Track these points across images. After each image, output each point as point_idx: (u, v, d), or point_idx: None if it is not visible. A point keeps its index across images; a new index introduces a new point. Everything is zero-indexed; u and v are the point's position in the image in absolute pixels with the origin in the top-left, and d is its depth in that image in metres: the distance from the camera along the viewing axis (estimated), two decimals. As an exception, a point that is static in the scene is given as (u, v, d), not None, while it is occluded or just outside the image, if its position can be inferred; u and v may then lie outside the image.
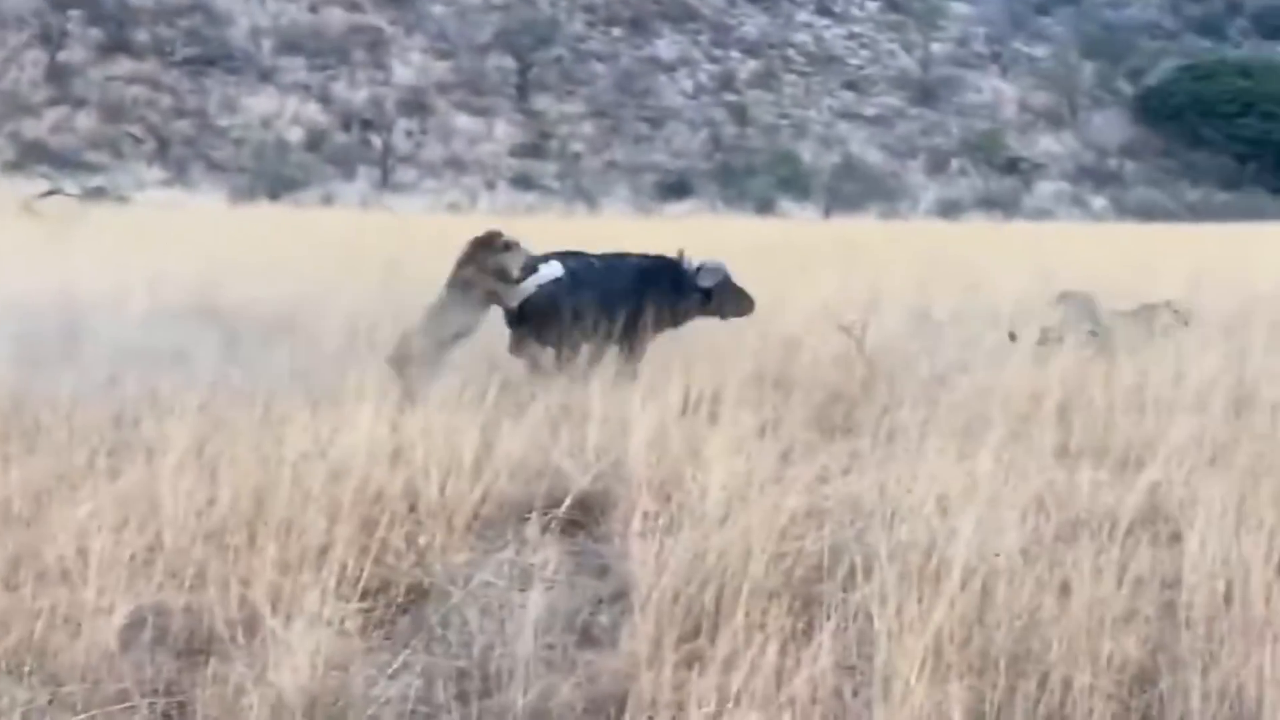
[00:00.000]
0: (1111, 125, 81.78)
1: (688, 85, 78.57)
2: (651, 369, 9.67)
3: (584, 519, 7.22)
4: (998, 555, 5.73)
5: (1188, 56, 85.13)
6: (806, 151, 72.82)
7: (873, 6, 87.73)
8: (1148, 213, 65.39)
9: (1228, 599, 5.65)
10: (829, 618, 5.43)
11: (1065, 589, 5.57)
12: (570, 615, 5.92)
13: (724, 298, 11.56)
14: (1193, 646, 5.34)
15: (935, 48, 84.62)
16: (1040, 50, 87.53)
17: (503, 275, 10.71)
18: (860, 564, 5.84)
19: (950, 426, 8.03)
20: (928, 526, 6.10)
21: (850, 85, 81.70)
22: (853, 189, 66.85)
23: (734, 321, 11.50)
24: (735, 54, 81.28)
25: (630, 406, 8.17)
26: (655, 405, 8.19)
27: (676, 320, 11.48)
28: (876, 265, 18.83)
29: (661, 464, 7.47)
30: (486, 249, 10.76)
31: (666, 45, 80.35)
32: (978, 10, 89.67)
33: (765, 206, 62.50)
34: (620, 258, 11.77)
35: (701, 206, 62.85)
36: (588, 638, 5.80)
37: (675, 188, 66.94)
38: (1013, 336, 11.70)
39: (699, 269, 11.51)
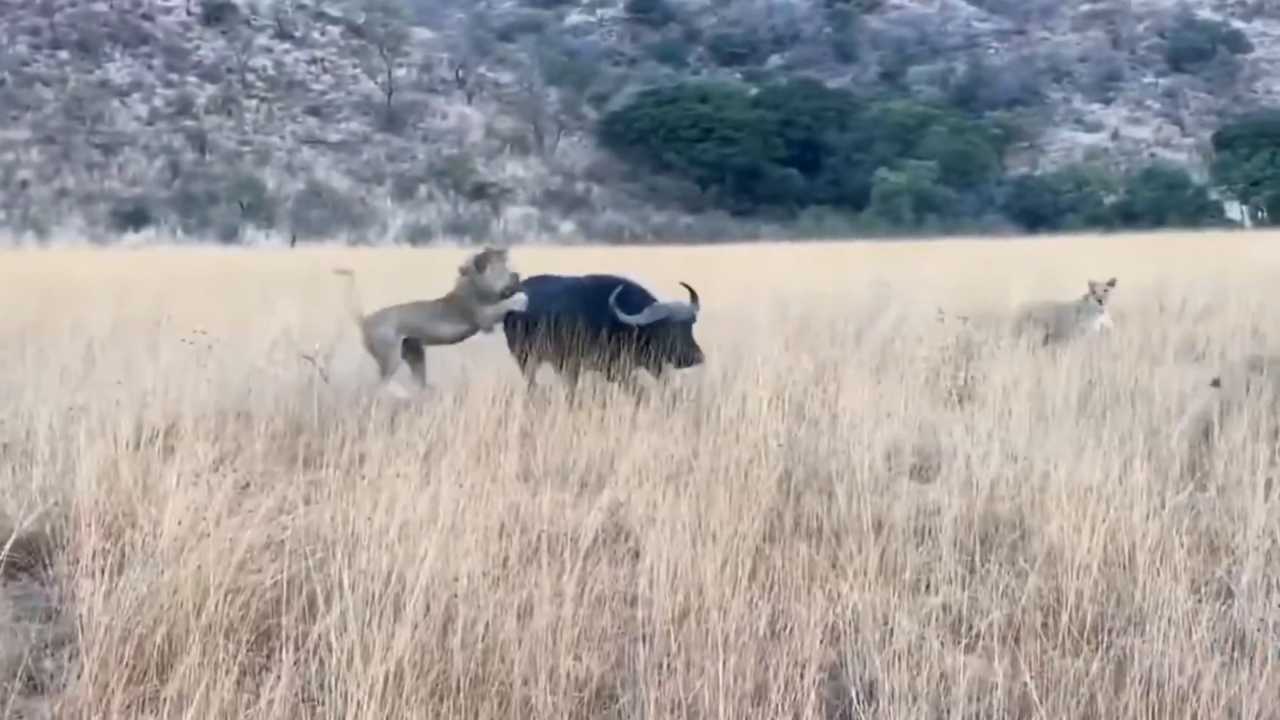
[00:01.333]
0: (577, 150, 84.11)
1: (142, 111, 76.40)
2: (101, 404, 9.20)
3: (28, 561, 6.82)
4: (458, 580, 5.70)
5: (649, 83, 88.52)
6: (270, 178, 71.89)
7: (334, 31, 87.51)
8: (615, 236, 67.51)
9: (685, 612, 5.79)
10: (288, 650, 5.28)
11: (527, 610, 5.58)
12: (13, 661, 5.56)
13: (659, 340, 10.79)
14: (650, 661, 5.44)
15: (400, 73, 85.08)
16: (505, 76, 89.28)
17: (484, 296, 11.27)
18: (321, 594, 5.71)
19: (413, 453, 7.95)
20: (390, 554, 6.00)
21: (313, 111, 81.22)
22: (320, 216, 66.46)
23: (197, 351, 10.79)
24: (192, 78, 79.64)
25: (76, 442, 7.78)
26: (104, 440, 7.81)
27: (612, 350, 10.82)
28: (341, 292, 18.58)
29: (112, 500, 7.14)
30: (474, 267, 11.31)
31: (118, 69, 77.95)
32: (441, 36, 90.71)
33: (229, 235, 61.38)
34: (574, 278, 11.71)
35: (161, 236, 61.05)
36: (32, 684, 5.47)
37: (132, 216, 64.87)
38: None
39: (647, 305, 10.91)
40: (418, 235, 66.07)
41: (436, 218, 71.78)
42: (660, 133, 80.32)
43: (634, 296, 11.09)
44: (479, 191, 77.24)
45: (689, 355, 10.82)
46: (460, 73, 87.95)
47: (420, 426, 8.94)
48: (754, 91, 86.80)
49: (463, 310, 11.28)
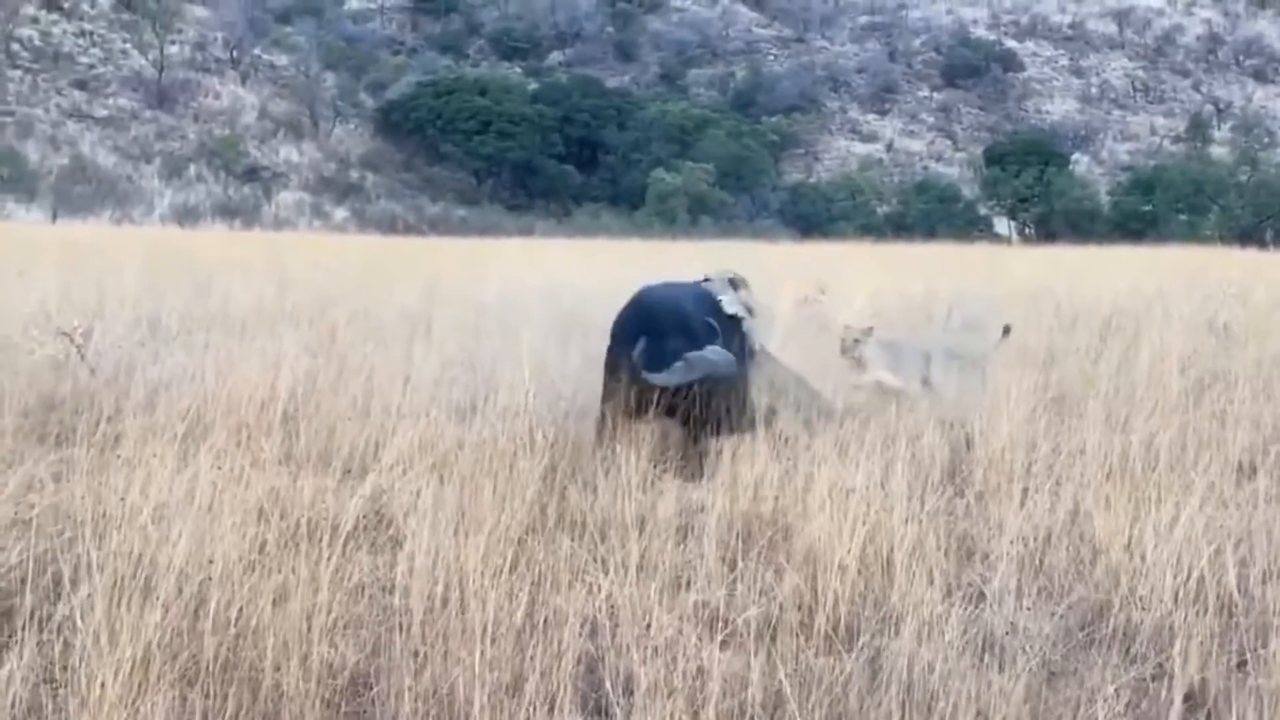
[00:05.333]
0: (353, 137, 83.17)
1: (-99, 80, 73.66)
2: None
3: None
4: (212, 563, 5.58)
5: (429, 73, 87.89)
6: (33, 151, 69.73)
7: (104, 4, 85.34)
8: (389, 225, 66.86)
9: (445, 602, 5.74)
10: (30, 631, 5.12)
11: (283, 596, 5.48)
12: None
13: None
14: (407, 649, 5.39)
15: (172, 50, 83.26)
16: (282, 59, 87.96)
17: None
18: (68, 574, 5.56)
19: (171, 434, 7.77)
20: (142, 536, 5.85)
21: (80, 84, 79.07)
22: (83, 192, 64.69)
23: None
24: (-47, 47, 77.00)
25: None
26: None
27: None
28: (105, 270, 18.17)
29: None
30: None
31: (-126, 36, 75.14)
32: (216, 14, 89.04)
33: (-13, 207, 59.40)
34: None
35: (-84, 205, 58.98)
36: None
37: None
38: None
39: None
40: (185, 215, 64.69)
41: (205, 199, 70.33)
42: (438, 123, 79.82)
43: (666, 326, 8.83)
44: (250, 174, 75.90)
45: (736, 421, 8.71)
46: (235, 53, 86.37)
47: (180, 408, 8.74)
48: (534, 86, 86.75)
49: None
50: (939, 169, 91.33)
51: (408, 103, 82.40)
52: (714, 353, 8.61)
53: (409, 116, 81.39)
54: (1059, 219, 73.19)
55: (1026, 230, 76.33)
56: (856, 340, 10.76)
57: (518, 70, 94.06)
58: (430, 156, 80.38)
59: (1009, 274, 27.73)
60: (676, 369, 8.55)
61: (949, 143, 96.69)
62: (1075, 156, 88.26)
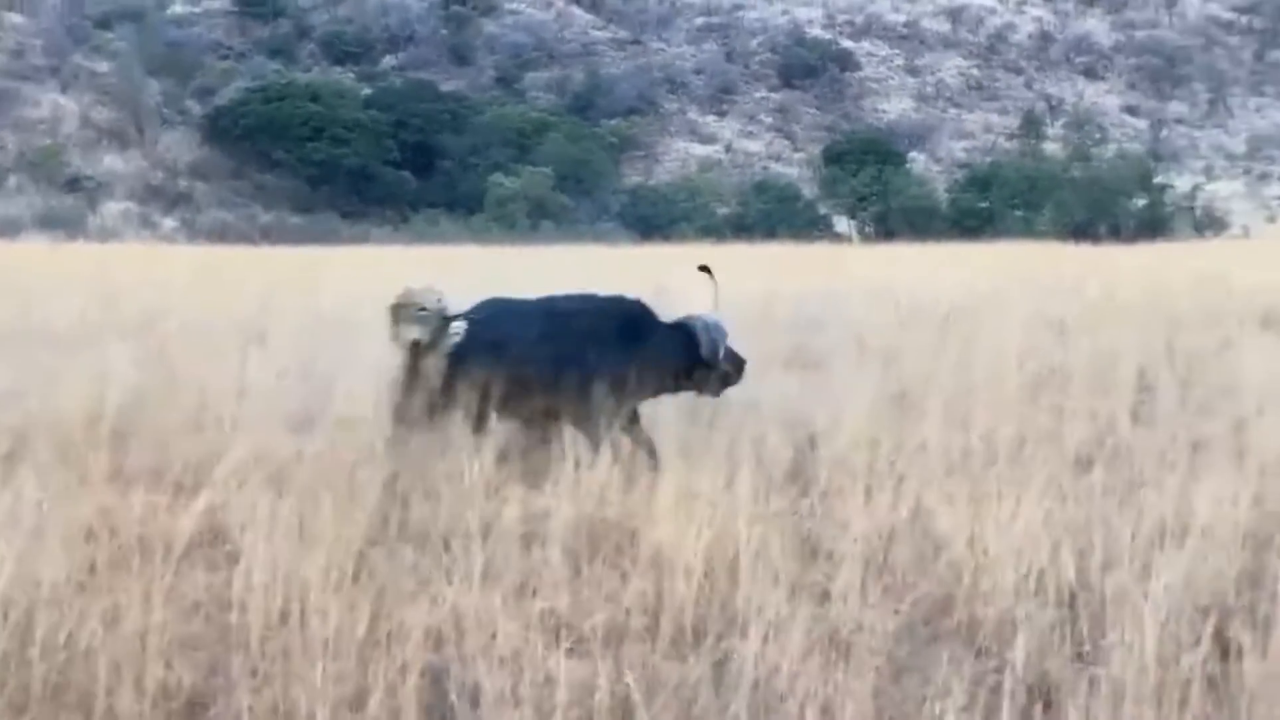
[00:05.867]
0: (181, 145, 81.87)
1: None
2: None
3: None
4: (39, 585, 5.41)
5: (257, 78, 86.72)
6: None
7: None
8: (221, 234, 65.90)
9: (285, 617, 5.64)
10: None
11: (114, 617, 5.33)
12: None
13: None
14: (246, 667, 5.28)
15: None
16: (103, 65, 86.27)
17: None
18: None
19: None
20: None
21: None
22: (-97, 206, 62.91)
23: None
24: None
25: None
26: None
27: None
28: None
29: None
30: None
31: None
32: (34, 21, 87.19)
33: None
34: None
35: None
36: None
37: None
38: None
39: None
40: (7, 228, 63.08)
41: (26, 210, 68.71)
42: (269, 130, 78.77)
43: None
44: (74, 184, 74.38)
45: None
46: (54, 60, 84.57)
47: (1, 425, 8.51)
48: (367, 91, 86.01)
49: None
50: (778, 169, 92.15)
51: (236, 109, 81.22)
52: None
53: (238, 123, 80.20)
54: (898, 217, 74.10)
55: (866, 229, 77.25)
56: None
57: (350, 75, 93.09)
58: (261, 164, 79.36)
59: (849, 272, 28.07)
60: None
61: (788, 143, 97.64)
62: (912, 155, 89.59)
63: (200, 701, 5.22)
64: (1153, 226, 67.46)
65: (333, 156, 77.92)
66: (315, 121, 78.37)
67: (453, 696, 5.14)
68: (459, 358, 8.98)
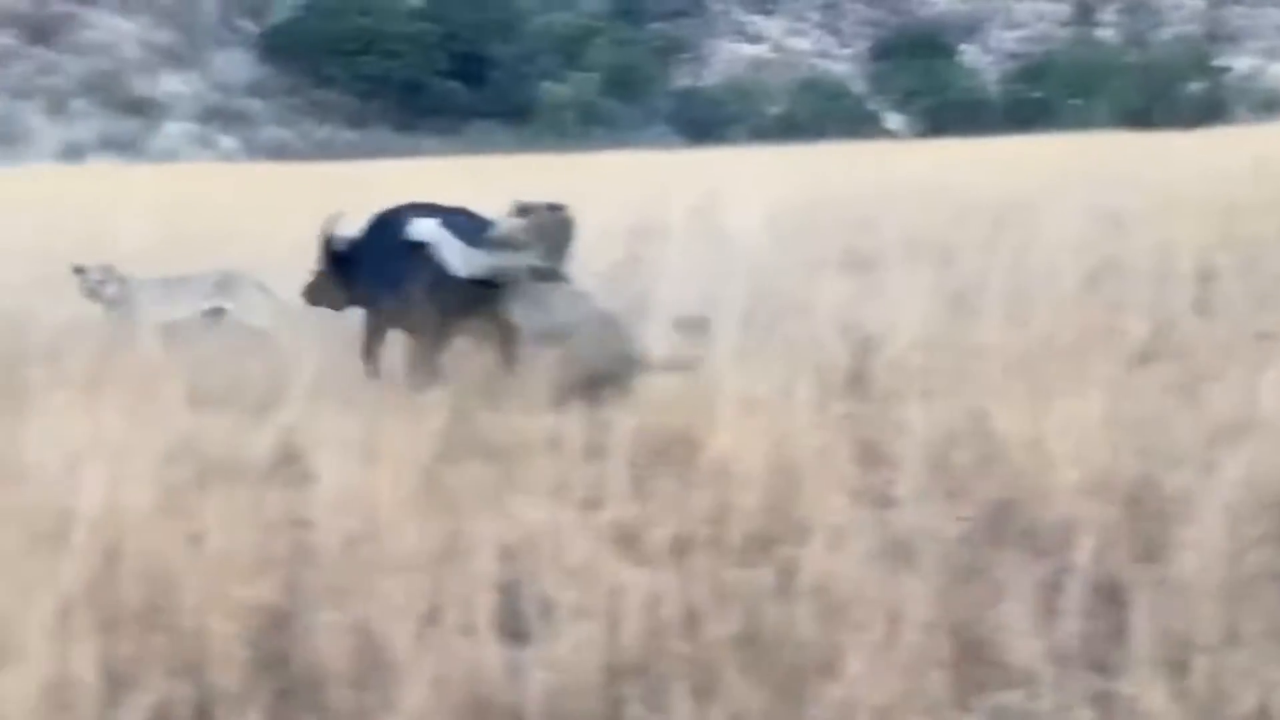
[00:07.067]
0: (237, 64, 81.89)
1: None
2: None
3: None
4: (126, 510, 5.57)
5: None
6: (-85, 94, 68.19)
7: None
8: (278, 152, 65.99)
9: (358, 536, 5.76)
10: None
11: (198, 538, 5.49)
12: None
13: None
14: (323, 585, 5.42)
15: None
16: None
17: None
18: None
19: (76, 382, 7.71)
20: (54, 485, 5.84)
21: (-43, 23, 77.29)
22: (-33, 133, 63.34)
23: None
24: None
25: None
26: None
27: None
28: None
29: None
30: None
31: None
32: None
33: None
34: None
35: None
36: None
37: None
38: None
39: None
40: (71, 152, 63.51)
41: (90, 134, 69.07)
42: (322, 46, 78.73)
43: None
44: (135, 107, 74.59)
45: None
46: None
47: (83, 353, 8.66)
48: (416, 3, 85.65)
49: None
50: (827, 66, 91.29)
51: (290, 26, 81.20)
52: None
53: (292, 40, 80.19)
54: (949, 111, 73.39)
55: (917, 124, 76.55)
56: (100, 282, 10.81)
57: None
58: (315, 80, 79.34)
59: (900, 169, 27.86)
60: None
61: (835, 39, 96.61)
62: (962, 47, 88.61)
63: (283, 618, 5.36)
64: (1211, 111, 66.38)
65: (384, 70, 77.80)
66: (366, 35, 78.22)
67: (525, 609, 5.25)
68: None
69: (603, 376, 8.56)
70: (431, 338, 9.24)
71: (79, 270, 10.84)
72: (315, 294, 10.23)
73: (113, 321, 10.54)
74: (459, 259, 9.28)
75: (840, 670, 4.74)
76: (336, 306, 10.13)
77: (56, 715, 4.40)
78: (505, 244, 9.29)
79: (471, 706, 4.67)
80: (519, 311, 9.23)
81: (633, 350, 9.01)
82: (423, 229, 9.44)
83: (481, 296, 9.29)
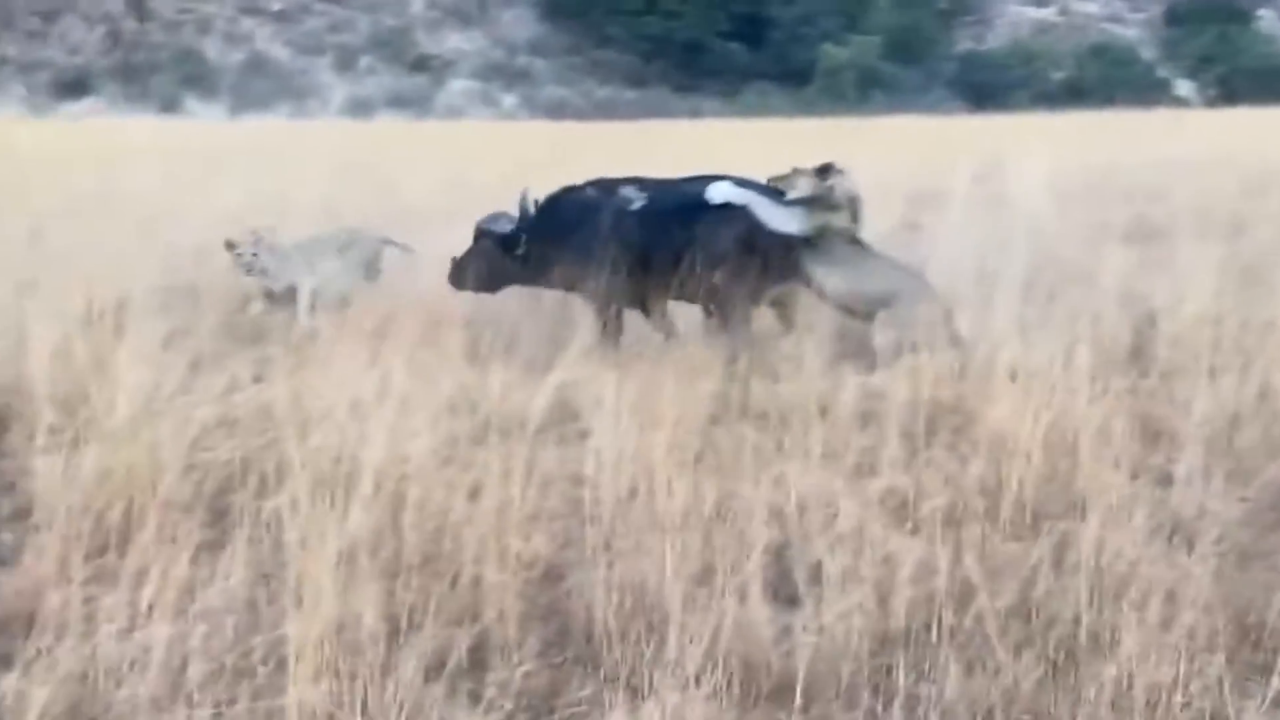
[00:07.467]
0: (520, 22, 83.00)
1: (81, -23, 74.83)
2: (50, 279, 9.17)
3: (-16, 436, 6.87)
4: (408, 459, 5.74)
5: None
6: (211, 48, 70.72)
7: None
8: (558, 110, 66.70)
9: (633, 493, 5.85)
10: (242, 528, 5.36)
11: (476, 490, 5.63)
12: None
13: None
14: (598, 541, 5.52)
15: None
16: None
17: None
18: (273, 473, 5.78)
19: (362, 332, 7.96)
20: (340, 433, 6.05)
21: (254, -21, 79.89)
22: (261, 87, 65.44)
23: (135, 228, 10.60)
24: (131, -56, 77.97)
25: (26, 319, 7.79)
26: (56, 316, 7.82)
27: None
28: (287, 169, 18.51)
29: (65, 377, 7.14)
30: None
31: (55, -63, 76.30)
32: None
33: (170, 105, 60.39)
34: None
35: (101, 106, 60.06)
36: (-10, 555, 5.56)
37: (72, 86, 63.68)
38: None
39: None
40: (359, 108, 65.19)
41: (377, 90, 70.82)
42: (604, 5, 79.30)
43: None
44: (420, 64, 76.27)
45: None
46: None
47: (368, 305, 8.94)
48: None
49: None
50: (1116, 30, 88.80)
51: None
52: None
53: (575, 0, 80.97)
54: (1243, 78, 70.76)
55: (1209, 92, 74.05)
56: (254, 255, 10.05)
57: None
58: (596, 39, 79.98)
59: (1192, 137, 27.04)
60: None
61: (1126, 3, 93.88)
62: (1260, 12, 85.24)
63: (557, 572, 5.48)
64: None
65: (665, 30, 77.99)
66: (648, -5, 78.52)
67: (796, 574, 5.28)
68: None
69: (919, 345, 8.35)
70: (742, 302, 8.99)
71: (230, 246, 10.11)
72: (465, 276, 9.70)
73: (269, 295, 10.13)
74: (779, 218, 9.14)
75: (1115, 649, 4.67)
76: (490, 289, 9.73)
77: (343, 655, 4.55)
78: (817, 204, 9.19)
79: (740, 667, 4.71)
80: (823, 274, 9.09)
81: (953, 321, 8.82)
82: (725, 191, 9.17)
83: (793, 259, 9.05)
